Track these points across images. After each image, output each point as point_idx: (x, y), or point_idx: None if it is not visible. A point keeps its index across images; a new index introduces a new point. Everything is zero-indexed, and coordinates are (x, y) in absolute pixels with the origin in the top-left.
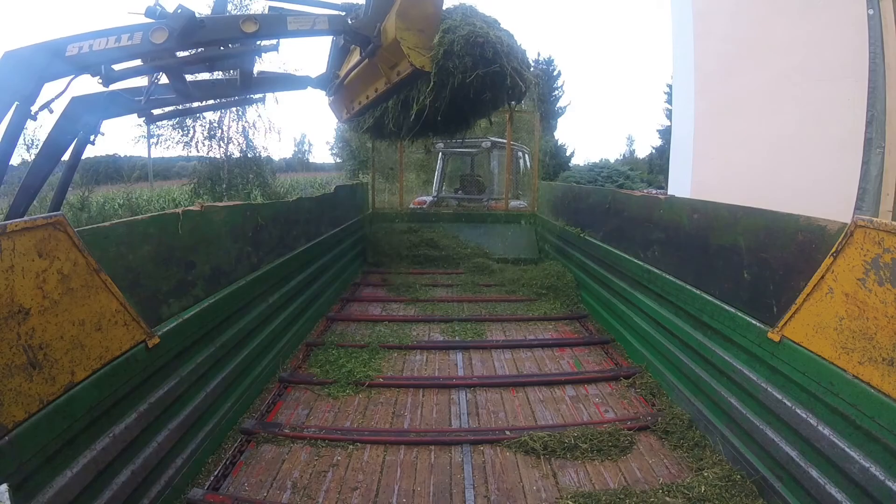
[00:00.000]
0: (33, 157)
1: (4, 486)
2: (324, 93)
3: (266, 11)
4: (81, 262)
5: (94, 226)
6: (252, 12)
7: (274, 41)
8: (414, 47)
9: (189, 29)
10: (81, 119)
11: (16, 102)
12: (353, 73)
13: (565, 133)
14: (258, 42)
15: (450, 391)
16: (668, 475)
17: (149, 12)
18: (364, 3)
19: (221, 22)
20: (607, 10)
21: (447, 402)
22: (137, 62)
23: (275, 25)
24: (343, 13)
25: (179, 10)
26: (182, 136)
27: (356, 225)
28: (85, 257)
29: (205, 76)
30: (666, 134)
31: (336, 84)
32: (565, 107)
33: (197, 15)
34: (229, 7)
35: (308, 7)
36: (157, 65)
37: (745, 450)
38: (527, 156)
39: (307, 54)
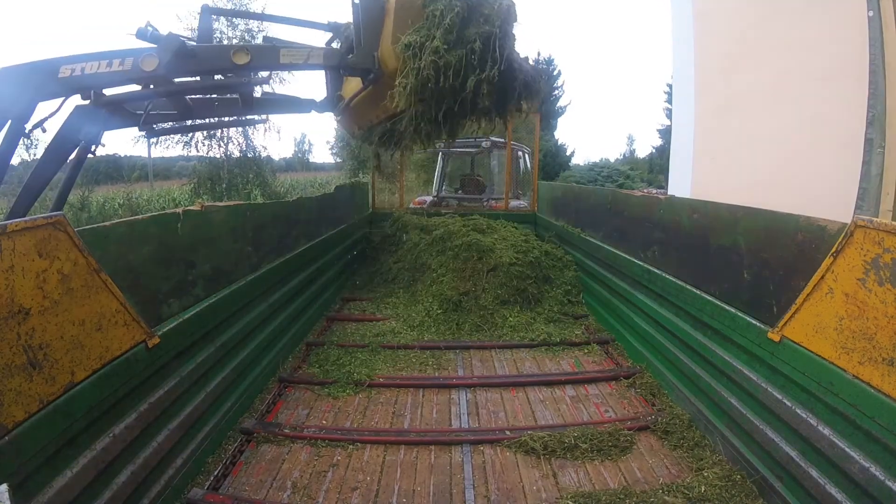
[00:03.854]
0: (32, 156)
1: (4, 486)
2: (333, 118)
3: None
4: (81, 262)
5: (94, 226)
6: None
7: (266, 73)
8: None
9: (179, 58)
10: (83, 129)
11: (9, 121)
12: (356, 99)
13: (565, 133)
14: (252, 74)
15: (450, 391)
16: (668, 475)
17: (139, 34)
18: (351, 21)
19: (212, 52)
20: (607, 9)
21: (447, 402)
22: (131, 87)
23: (267, 57)
24: (318, 36)
25: (168, 39)
26: (182, 136)
27: (356, 225)
28: (85, 257)
29: None
30: (666, 133)
31: (342, 106)
32: (565, 106)
33: (188, 44)
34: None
35: (285, 26)
36: (148, 92)
37: (745, 450)
38: (527, 155)
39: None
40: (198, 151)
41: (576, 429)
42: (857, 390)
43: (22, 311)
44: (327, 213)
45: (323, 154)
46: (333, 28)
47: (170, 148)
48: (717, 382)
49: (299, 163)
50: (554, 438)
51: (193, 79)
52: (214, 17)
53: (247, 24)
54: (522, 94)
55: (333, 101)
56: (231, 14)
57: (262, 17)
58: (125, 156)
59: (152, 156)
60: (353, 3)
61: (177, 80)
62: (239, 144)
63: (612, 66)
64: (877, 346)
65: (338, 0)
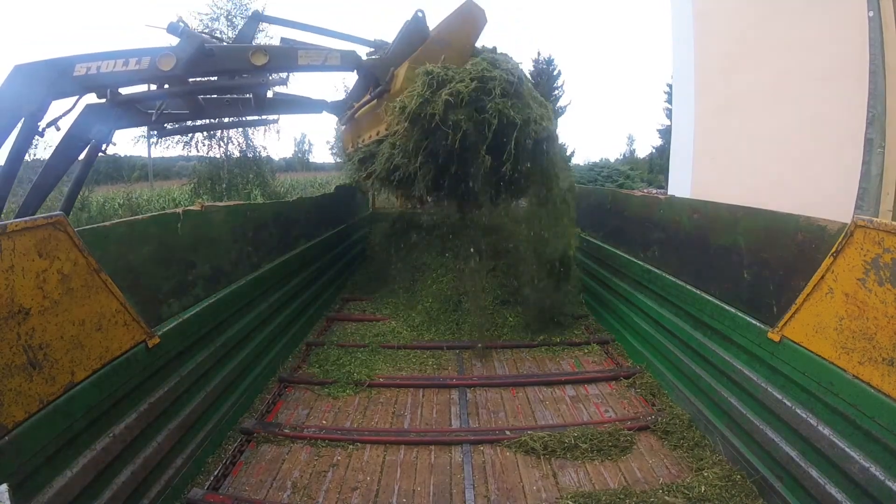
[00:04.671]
0: (31, 157)
1: (4, 486)
2: (335, 118)
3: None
4: (81, 262)
5: (94, 226)
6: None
7: (283, 74)
8: None
9: (197, 58)
10: (94, 127)
11: (23, 118)
12: (362, 110)
13: (565, 133)
14: (269, 75)
15: (449, 391)
16: (668, 475)
17: (171, 28)
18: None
19: (231, 52)
20: (607, 9)
21: (447, 402)
22: (145, 86)
23: (285, 58)
24: (361, 50)
25: (188, 38)
26: (183, 136)
27: (356, 225)
28: (85, 257)
29: None
30: (666, 133)
31: (348, 115)
32: (565, 106)
33: (206, 44)
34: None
35: (328, 38)
36: (164, 92)
37: (745, 450)
38: None
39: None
40: (198, 151)
41: (576, 429)
42: (857, 390)
43: (22, 311)
44: (327, 213)
45: (323, 154)
46: (378, 45)
47: (170, 148)
48: (717, 382)
49: (299, 163)
50: (554, 438)
51: (209, 79)
52: (213, 17)
53: None
54: (508, 189)
55: (344, 107)
56: (280, 23)
57: (309, 28)
58: (125, 156)
59: (152, 156)
60: (406, 22)
61: (191, 79)
62: (239, 144)
63: (612, 66)
64: (877, 346)
65: (338, 4)
